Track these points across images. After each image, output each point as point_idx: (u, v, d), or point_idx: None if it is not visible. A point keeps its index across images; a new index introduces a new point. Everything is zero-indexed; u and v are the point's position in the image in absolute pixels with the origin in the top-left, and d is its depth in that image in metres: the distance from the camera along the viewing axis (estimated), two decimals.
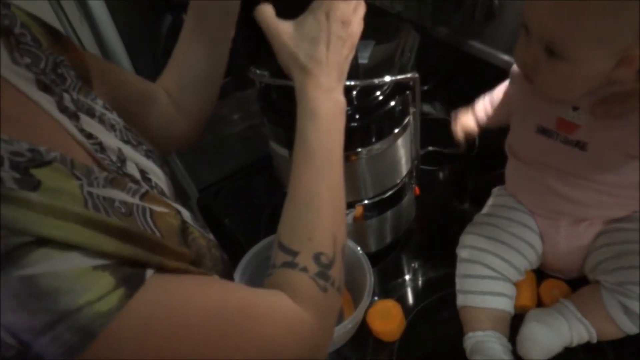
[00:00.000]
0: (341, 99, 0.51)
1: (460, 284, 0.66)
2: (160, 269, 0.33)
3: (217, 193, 0.96)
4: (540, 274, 0.69)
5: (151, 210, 0.37)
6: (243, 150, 1.06)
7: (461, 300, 0.65)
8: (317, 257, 0.44)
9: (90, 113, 0.44)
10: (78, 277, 0.28)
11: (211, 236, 0.47)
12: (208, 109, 0.65)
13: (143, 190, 0.39)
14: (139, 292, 0.31)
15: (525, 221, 0.67)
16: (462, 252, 0.67)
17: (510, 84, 0.70)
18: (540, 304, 0.67)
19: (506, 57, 0.87)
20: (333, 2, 0.49)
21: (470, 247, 0.67)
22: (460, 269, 0.67)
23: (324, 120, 0.48)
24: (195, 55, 0.61)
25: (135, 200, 0.37)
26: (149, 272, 0.32)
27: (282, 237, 0.46)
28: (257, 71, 0.61)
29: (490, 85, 0.94)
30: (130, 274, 0.31)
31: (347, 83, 0.52)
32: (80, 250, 0.28)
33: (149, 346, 0.32)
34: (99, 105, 0.46)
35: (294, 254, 0.44)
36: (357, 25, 0.51)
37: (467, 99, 1.04)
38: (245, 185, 0.97)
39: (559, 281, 0.68)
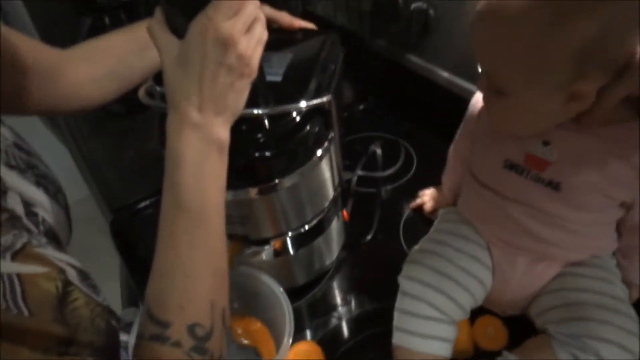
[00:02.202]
0: (218, 135, 0.41)
1: (399, 319, 0.59)
2: None
3: (133, 215, 0.87)
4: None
5: (21, 279, 0.32)
6: None
7: (397, 339, 0.58)
8: (191, 329, 0.37)
9: None
10: None
11: (100, 298, 0.40)
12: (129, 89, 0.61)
13: (18, 246, 0.34)
14: None
15: (478, 254, 0.60)
16: (405, 284, 0.59)
17: (471, 114, 0.64)
18: (474, 343, 0.62)
19: (444, 74, 0.83)
20: (211, 16, 0.38)
21: (415, 280, 0.59)
22: (402, 303, 0.59)
23: (190, 164, 0.40)
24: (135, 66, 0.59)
25: (4, 266, 0.32)
26: None
27: (151, 305, 0.38)
28: (157, 88, 0.53)
29: (427, 100, 0.90)
30: None
31: (245, 111, 0.44)
32: None
33: None
34: None
35: (165, 325, 0.37)
36: (249, 46, 0.41)
37: (406, 114, 1.00)
38: None
39: (494, 318, 0.63)
